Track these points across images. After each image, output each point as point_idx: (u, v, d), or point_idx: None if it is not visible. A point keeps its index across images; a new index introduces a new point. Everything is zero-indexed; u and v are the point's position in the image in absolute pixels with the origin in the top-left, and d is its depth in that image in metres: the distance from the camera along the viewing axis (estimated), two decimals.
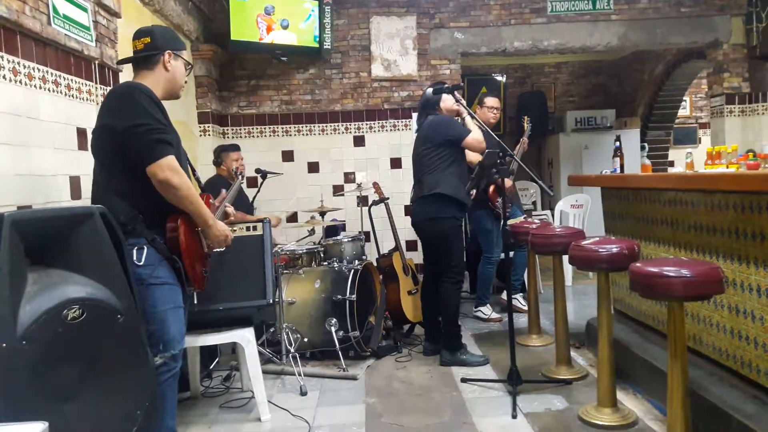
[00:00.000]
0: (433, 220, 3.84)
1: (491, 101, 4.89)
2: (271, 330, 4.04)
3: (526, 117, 5.46)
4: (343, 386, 3.61)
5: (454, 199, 3.78)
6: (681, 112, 8.73)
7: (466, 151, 4.69)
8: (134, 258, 2.22)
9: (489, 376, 3.60)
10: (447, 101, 3.90)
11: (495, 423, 2.98)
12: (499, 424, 2.96)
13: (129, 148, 2.22)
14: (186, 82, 2.57)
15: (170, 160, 2.24)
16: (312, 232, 4.88)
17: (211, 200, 2.63)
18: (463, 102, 3.96)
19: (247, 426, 3.12)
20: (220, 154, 4.69)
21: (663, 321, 3.27)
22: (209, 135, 5.62)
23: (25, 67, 2.65)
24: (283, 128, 6.16)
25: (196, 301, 2.69)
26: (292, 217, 5.85)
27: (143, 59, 2.43)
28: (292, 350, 3.77)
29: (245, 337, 3.11)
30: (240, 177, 3.25)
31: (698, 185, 2.87)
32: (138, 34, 2.46)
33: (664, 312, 2.88)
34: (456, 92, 3.76)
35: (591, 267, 3.01)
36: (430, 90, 3.95)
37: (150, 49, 2.41)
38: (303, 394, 3.46)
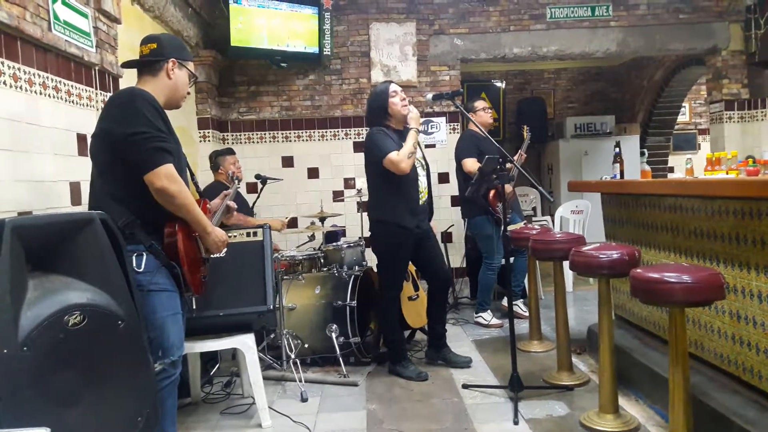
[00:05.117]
0: (371, 235, 3.85)
1: (480, 103, 4.86)
2: (272, 336, 4.03)
3: (525, 127, 5.36)
4: (344, 392, 3.60)
5: (381, 221, 3.74)
6: (680, 118, 8.75)
7: (464, 161, 4.70)
8: (133, 265, 2.22)
9: (490, 382, 3.59)
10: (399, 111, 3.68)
11: (496, 429, 2.97)
12: (500, 431, 2.95)
13: (127, 155, 2.22)
14: (189, 93, 2.57)
15: (168, 168, 2.24)
16: (312, 237, 4.87)
17: (207, 206, 2.64)
18: (462, 109, 3.97)
19: None
20: (217, 158, 4.68)
21: (664, 327, 3.26)
22: (209, 141, 5.62)
23: (25, 73, 2.65)
24: (283, 134, 6.16)
25: (194, 307, 2.69)
26: (292, 223, 5.84)
27: (147, 65, 2.43)
28: (293, 356, 3.75)
29: (246, 343, 3.10)
30: (236, 181, 3.25)
31: (698, 191, 2.87)
32: (145, 40, 2.47)
33: (666, 318, 2.88)
34: (456, 98, 3.75)
35: (592, 273, 3.01)
36: (378, 89, 3.78)
37: (155, 55, 2.42)
38: (304, 400, 3.45)
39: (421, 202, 3.78)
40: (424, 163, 3.89)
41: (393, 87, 3.71)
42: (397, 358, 3.83)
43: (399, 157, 3.53)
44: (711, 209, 2.77)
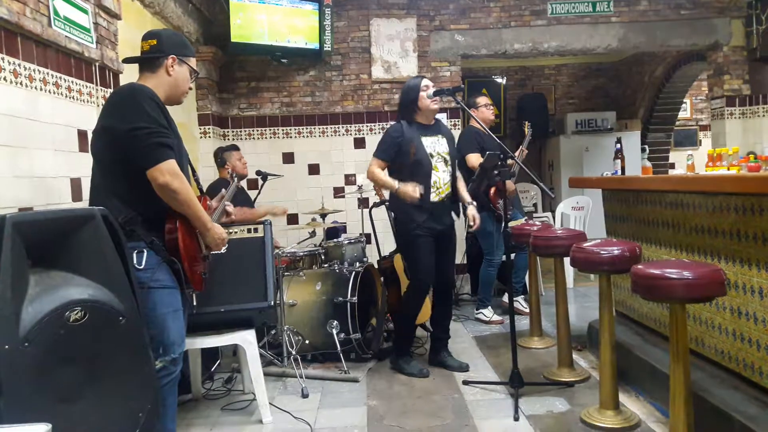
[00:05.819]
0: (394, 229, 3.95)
1: (482, 99, 4.89)
2: (273, 332, 4.03)
3: (526, 122, 5.32)
4: (345, 388, 3.60)
5: (397, 216, 3.85)
6: (681, 114, 8.73)
7: (468, 156, 4.70)
8: (134, 262, 2.21)
9: (490, 379, 3.59)
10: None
11: (497, 425, 2.97)
12: (500, 427, 2.95)
13: (129, 151, 2.21)
14: (190, 88, 2.56)
15: (171, 164, 2.23)
16: (313, 234, 4.87)
17: (208, 202, 2.63)
18: (463, 105, 3.95)
19: (249, 428, 3.11)
20: (223, 155, 4.65)
21: (665, 323, 3.26)
22: (209, 137, 5.62)
23: (25, 69, 2.65)
24: (283, 130, 6.16)
25: (195, 303, 2.69)
26: (293, 219, 5.85)
27: (147, 61, 2.42)
28: (294, 352, 3.76)
29: (246, 339, 3.10)
30: (236, 179, 3.24)
31: (699, 187, 2.87)
32: (146, 36, 2.45)
33: (666, 314, 2.88)
34: (457, 94, 3.73)
35: (592, 269, 3.01)
36: (410, 83, 3.76)
37: (155, 52, 2.41)
38: (304, 396, 3.45)
39: (438, 198, 3.65)
40: (448, 158, 3.75)
41: (425, 81, 3.71)
42: (401, 352, 3.83)
43: (373, 170, 3.75)
44: (712, 205, 2.77)
